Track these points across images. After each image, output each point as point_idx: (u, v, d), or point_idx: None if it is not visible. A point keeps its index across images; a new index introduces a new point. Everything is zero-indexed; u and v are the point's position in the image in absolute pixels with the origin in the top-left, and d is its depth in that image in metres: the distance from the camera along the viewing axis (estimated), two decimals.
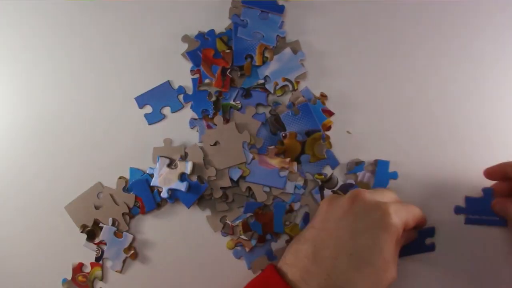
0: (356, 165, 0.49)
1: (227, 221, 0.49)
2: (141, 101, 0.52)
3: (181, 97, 0.52)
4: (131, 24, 0.54)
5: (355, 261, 0.38)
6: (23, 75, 0.53)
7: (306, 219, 0.49)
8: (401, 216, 0.40)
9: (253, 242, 0.49)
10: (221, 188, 0.49)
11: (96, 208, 0.50)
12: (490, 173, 0.46)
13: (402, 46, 0.52)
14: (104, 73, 0.53)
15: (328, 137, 0.50)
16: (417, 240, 0.48)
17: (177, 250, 0.50)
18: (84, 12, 0.54)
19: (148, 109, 0.52)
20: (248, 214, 0.49)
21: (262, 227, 0.49)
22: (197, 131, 0.51)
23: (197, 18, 0.53)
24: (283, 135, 0.49)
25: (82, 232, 0.50)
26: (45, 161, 0.52)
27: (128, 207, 0.50)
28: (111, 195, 0.50)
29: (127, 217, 0.50)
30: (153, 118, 0.52)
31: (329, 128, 0.50)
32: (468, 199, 0.48)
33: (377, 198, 0.41)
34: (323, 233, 0.41)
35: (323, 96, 0.51)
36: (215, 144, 0.50)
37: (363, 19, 0.52)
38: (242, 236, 0.49)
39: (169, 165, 0.49)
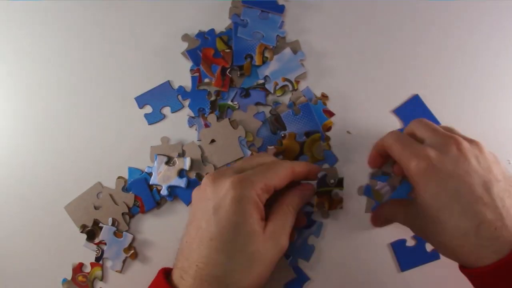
0: (381, 174, 0.49)
1: None
2: (141, 101, 0.52)
3: (180, 96, 0.52)
4: (131, 23, 0.54)
5: (216, 244, 0.37)
6: (22, 75, 0.53)
7: None
8: (252, 181, 0.38)
9: None
10: None
11: (96, 208, 0.50)
12: (371, 161, 0.48)
13: (403, 46, 0.52)
14: (104, 73, 0.53)
15: (328, 138, 0.50)
16: (418, 250, 0.48)
17: (176, 250, 0.50)
18: (85, 12, 0.54)
19: (148, 109, 0.52)
20: None
21: None
22: (196, 129, 0.51)
23: (197, 18, 0.53)
24: (283, 135, 0.49)
25: (82, 232, 0.50)
26: (45, 161, 0.52)
27: (128, 207, 0.50)
28: (111, 195, 0.50)
29: (127, 217, 0.50)
30: (153, 118, 0.52)
31: (329, 128, 0.50)
32: None
33: (227, 174, 0.40)
34: (190, 227, 0.40)
35: (324, 96, 0.51)
36: (211, 142, 0.50)
37: (363, 19, 0.52)
38: None
39: (167, 163, 0.49)
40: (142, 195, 0.50)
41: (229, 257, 0.36)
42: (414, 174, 0.39)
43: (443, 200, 0.37)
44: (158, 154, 0.49)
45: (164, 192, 0.48)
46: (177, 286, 0.38)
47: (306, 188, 0.44)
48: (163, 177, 0.49)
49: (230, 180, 0.38)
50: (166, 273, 0.40)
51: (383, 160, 0.47)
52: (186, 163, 0.49)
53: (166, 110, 0.52)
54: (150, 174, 0.49)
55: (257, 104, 0.51)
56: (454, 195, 0.37)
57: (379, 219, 0.48)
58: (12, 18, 0.54)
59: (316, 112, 0.50)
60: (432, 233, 0.39)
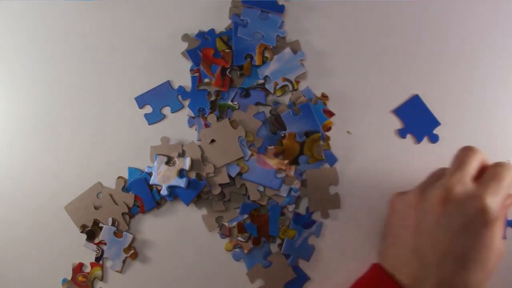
0: None
1: (224, 223, 0.49)
2: (141, 101, 0.52)
3: (180, 96, 0.52)
4: (132, 23, 0.53)
5: (462, 261, 0.38)
6: (22, 75, 0.53)
7: (297, 219, 0.49)
8: (497, 200, 0.38)
9: (250, 244, 0.49)
10: (220, 185, 0.49)
11: (96, 208, 0.50)
12: None
13: (403, 46, 0.52)
14: (103, 73, 0.53)
15: (328, 138, 0.50)
16: None
17: (177, 250, 0.50)
18: (84, 12, 0.54)
19: (148, 109, 0.52)
20: (244, 216, 0.49)
21: (257, 229, 0.49)
22: (196, 129, 0.51)
23: (197, 17, 0.53)
24: (283, 135, 0.49)
25: (82, 232, 0.50)
26: (44, 161, 0.52)
27: (128, 207, 0.50)
28: (111, 195, 0.50)
29: (127, 217, 0.50)
30: (153, 118, 0.52)
31: (329, 128, 0.50)
32: None
33: (466, 187, 0.39)
34: (420, 238, 0.40)
35: (324, 96, 0.51)
36: (211, 142, 0.50)
37: (363, 19, 0.52)
38: (239, 238, 0.49)
39: (167, 163, 0.49)
40: (142, 195, 0.50)
41: (475, 273, 0.37)
42: None
43: None
44: (158, 154, 0.49)
45: (164, 192, 0.48)
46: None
47: None
48: (163, 177, 0.49)
49: (482, 197, 0.37)
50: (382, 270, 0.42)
51: None
52: (186, 163, 0.49)
53: (166, 110, 0.52)
54: (150, 174, 0.49)
55: (257, 104, 0.51)
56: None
57: None
58: (11, 18, 0.54)
59: (316, 112, 0.50)
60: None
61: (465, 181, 0.39)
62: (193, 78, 0.52)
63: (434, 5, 0.52)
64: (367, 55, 0.52)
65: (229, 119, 0.50)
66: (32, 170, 0.52)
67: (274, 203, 0.49)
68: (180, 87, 0.52)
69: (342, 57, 0.52)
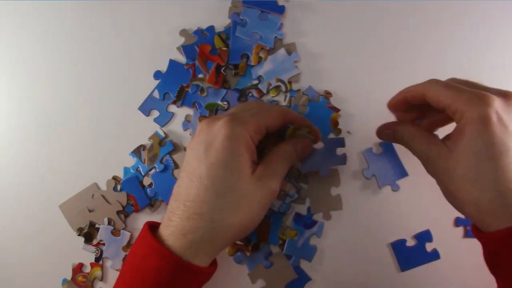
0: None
1: None
2: (145, 109, 0.52)
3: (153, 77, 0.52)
4: (132, 23, 0.53)
5: (205, 181, 0.37)
6: (21, 75, 0.53)
7: (299, 220, 0.49)
8: (245, 120, 0.38)
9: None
10: None
11: (90, 210, 0.50)
12: (392, 104, 0.44)
13: (403, 47, 0.52)
14: (103, 72, 0.53)
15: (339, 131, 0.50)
16: (418, 250, 0.48)
17: None
18: (83, 11, 0.54)
19: (155, 113, 0.52)
20: None
21: (257, 235, 0.49)
22: (190, 134, 0.51)
23: (197, 17, 0.53)
24: None
25: (79, 235, 0.50)
26: (44, 161, 0.52)
27: (122, 205, 0.50)
28: (103, 196, 0.50)
29: (122, 216, 0.50)
30: (163, 120, 0.51)
31: (337, 123, 0.50)
32: None
33: (221, 116, 0.39)
34: (181, 172, 0.40)
35: (328, 93, 0.50)
36: None
37: (362, 22, 0.52)
38: (238, 242, 0.49)
39: (144, 149, 0.50)
40: (134, 194, 0.50)
41: (217, 195, 0.37)
42: (468, 120, 0.35)
43: (484, 155, 0.34)
44: (132, 152, 0.50)
45: (160, 167, 0.49)
46: (162, 232, 0.38)
47: (301, 140, 0.44)
48: (150, 160, 0.50)
49: (223, 120, 0.38)
50: (151, 226, 0.40)
51: (406, 107, 0.43)
52: (160, 132, 0.50)
53: (173, 108, 0.52)
54: (139, 170, 0.50)
55: None
56: (499, 152, 0.34)
57: (389, 134, 0.44)
58: (11, 19, 0.54)
59: (320, 109, 0.50)
60: (455, 186, 0.37)
61: (224, 114, 0.40)
62: (171, 61, 0.51)
63: (434, 7, 0.52)
64: (366, 57, 0.51)
65: None
66: (31, 169, 0.52)
67: (275, 210, 0.49)
68: (157, 71, 0.52)
69: (336, 59, 0.51)
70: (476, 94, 0.36)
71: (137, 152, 0.51)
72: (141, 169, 0.50)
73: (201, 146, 0.38)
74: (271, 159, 0.41)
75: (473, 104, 0.35)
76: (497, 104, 0.35)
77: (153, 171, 0.50)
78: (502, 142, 0.34)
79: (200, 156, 0.38)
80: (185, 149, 0.50)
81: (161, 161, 0.50)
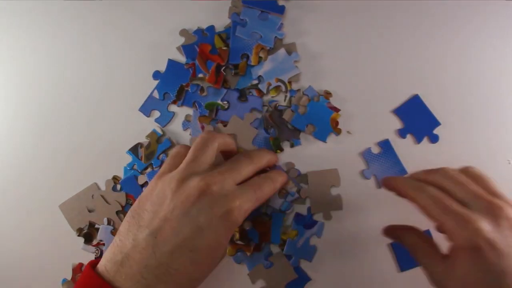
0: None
1: None
2: (146, 110, 0.52)
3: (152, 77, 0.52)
4: (132, 22, 0.53)
5: (194, 256, 0.37)
6: (20, 75, 0.53)
7: (299, 220, 0.49)
8: (247, 206, 0.39)
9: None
10: None
11: (90, 210, 0.50)
12: (389, 231, 0.45)
13: (403, 47, 0.51)
14: (103, 72, 0.53)
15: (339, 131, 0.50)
16: None
17: None
18: (82, 12, 0.54)
19: (156, 113, 0.52)
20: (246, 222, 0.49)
21: (259, 236, 0.49)
22: (190, 134, 0.51)
23: (197, 17, 0.53)
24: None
25: (79, 235, 0.50)
26: (43, 161, 0.52)
27: (121, 205, 0.50)
28: (102, 196, 0.50)
29: (122, 216, 0.50)
30: (164, 120, 0.51)
31: (337, 123, 0.50)
32: None
33: (226, 187, 0.39)
34: (166, 225, 0.38)
35: (328, 93, 0.50)
36: None
37: (363, 21, 0.52)
38: (239, 242, 0.49)
39: (141, 147, 0.50)
40: (133, 193, 0.50)
41: (194, 263, 0.38)
42: (459, 247, 0.35)
43: (480, 282, 0.34)
44: (129, 150, 0.51)
45: (157, 163, 0.49)
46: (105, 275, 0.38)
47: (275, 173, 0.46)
48: (146, 157, 0.50)
49: (232, 199, 0.39)
50: (93, 265, 0.40)
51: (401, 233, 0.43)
52: (158, 130, 0.50)
53: (173, 107, 0.52)
54: (135, 168, 0.50)
55: (252, 110, 0.50)
56: (497, 277, 0.33)
57: (395, 236, 0.45)
58: (11, 19, 0.54)
59: (320, 109, 0.50)
60: None
61: (227, 181, 0.40)
62: (170, 61, 0.51)
63: (434, 7, 0.52)
64: (366, 56, 0.51)
65: (221, 122, 0.50)
66: (31, 169, 0.52)
67: (276, 210, 0.49)
68: (156, 71, 0.52)
69: (341, 58, 0.51)
70: (462, 218, 0.34)
71: (134, 150, 0.51)
72: (137, 167, 0.50)
73: (201, 217, 0.38)
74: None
75: (462, 229, 0.34)
76: (486, 227, 0.34)
77: (149, 169, 0.50)
78: (497, 269, 0.33)
79: (198, 230, 0.38)
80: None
81: (157, 158, 0.50)
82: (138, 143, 0.51)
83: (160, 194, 0.39)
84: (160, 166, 0.50)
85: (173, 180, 0.39)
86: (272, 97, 0.51)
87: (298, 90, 0.51)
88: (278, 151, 0.50)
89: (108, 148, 0.51)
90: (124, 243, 0.38)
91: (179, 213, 0.38)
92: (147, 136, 0.51)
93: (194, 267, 0.38)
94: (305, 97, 0.50)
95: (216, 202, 0.38)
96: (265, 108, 0.51)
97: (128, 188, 0.50)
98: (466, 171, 0.39)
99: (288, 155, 0.50)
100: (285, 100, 0.51)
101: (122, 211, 0.50)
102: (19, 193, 0.52)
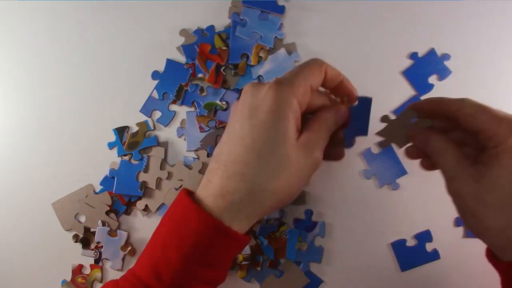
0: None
1: None
2: (147, 110, 0.52)
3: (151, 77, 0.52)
4: (131, 23, 0.53)
5: (247, 142, 0.36)
6: (20, 74, 0.53)
7: (298, 224, 0.49)
8: (292, 83, 0.37)
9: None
10: None
11: (80, 221, 0.50)
12: (417, 108, 0.41)
13: (403, 47, 0.52)
14: (102, 72, 0.53)
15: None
16: (418, 250, 0.48)
17: None
18: (81, 12, 0.54)
19: (157, 113, 0.52)
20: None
21: (274, 252, 0.48)
22: (185, 139, 0.51)
23: (197, 17, 0.53)
24: None
25: (75, 242, 0.50)
26: (43, 161, 0.52)
27: (108, 205, 0.50)
28: (86, 203, 0.50)
29: (113, 214, 0.50)
30: (166, 120, 0.51)
31: None
32: None
33: (288, 79, 0.38)
34: (224, 135, 0.39)
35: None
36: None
37: (362, 22, 0.52)
38: (244, 263, 0.48)
39: (127, 131, 0.51)
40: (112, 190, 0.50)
41: (259, 156, 0.35)
42: (506, 150, 0.34)
43: None
44: (116, 128, 0.50)
45: (137, 156, 0.49)
46: (201, 193, 0.37)
47: (340, 109, 0.42)
48: (129, 145, 0.50)
49: (270, 83, 0.37)
50: (188, 191, 0.39)
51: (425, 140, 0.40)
52: (150, 123, 0.50)
53: (174, 106, 0.52)
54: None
55: None
56: None
57: (422, 140, 0.40)
58: (10, 19, 0.54)
59: None
60: (482, 212, 0.35)
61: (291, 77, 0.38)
62: (168, 61, 0.51)
63: (434, 7, 0.52)
64: (364, 57, 0.51)
65: (220, 122, 0.50)
66: (30, 169, 0.52)
67: (291, 226, 0.49)
68: (155, 71, 0.51)
69: (340, 58, 0.51)
70: None
71: (120, 131, 0.50)
72: (117, 150, 0.50)
73: (245, 108, 0.37)
74: (314, 127, 0.39)
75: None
76: None
77: (127, 157, 0.50)
78: None
79: (244, 118, 0.37)
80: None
81: (139, 152, 0.50)
82: (127, 126, 0.50)
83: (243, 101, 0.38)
84: (139, 160, 0.49)
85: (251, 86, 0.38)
86: None
87: None
88: None
89: (109, 150, 0.51)
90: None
91: (231, 120, 0.38)
92: (138, 124, 0.50)
93: (249, 154, 0.36)
94: None
95: (255, 88, 0.38)
96: None
97: (108, 186, 0.50)
98: None
99: None
100: None
101: (112, 210, 0.50)
102: (18, 193, 0.52)
